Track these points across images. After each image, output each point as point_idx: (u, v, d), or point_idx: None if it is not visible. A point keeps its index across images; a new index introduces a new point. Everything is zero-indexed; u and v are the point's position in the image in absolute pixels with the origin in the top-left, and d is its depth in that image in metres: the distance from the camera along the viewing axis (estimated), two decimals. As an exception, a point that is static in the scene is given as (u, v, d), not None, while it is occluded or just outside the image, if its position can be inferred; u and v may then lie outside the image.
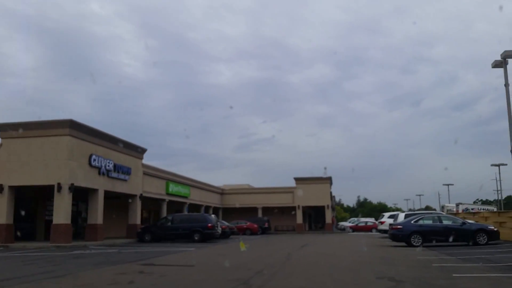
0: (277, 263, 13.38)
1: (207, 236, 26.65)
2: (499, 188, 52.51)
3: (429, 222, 20.35)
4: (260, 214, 50.70)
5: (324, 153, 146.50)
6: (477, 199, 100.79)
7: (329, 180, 51.35)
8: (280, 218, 52.72)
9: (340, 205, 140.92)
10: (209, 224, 26.67)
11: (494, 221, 22.86)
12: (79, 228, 28.90)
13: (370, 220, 53.64)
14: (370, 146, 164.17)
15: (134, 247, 22.52)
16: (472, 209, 40.03)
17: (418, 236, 19.76)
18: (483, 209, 39.59)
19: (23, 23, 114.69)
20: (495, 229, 19.27)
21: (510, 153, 19.20)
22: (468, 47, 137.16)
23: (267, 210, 51.31)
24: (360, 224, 50.37)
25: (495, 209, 40.64)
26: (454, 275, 9.98)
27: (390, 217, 30.44)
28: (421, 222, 20.26)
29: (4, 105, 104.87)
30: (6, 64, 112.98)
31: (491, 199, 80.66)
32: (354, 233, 47.08)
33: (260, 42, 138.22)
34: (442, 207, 46.10)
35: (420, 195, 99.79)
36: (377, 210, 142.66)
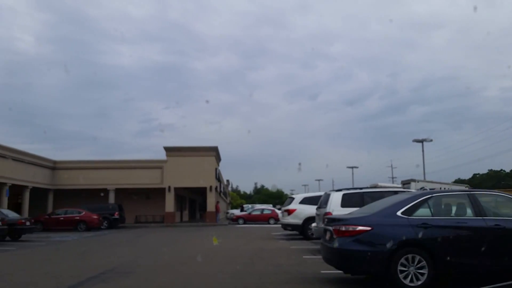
0: None
1: None
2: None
3: (449, 212, 6.97)
4: (112, 199, 34.60)
5: (225, 141, 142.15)
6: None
7: (214, 151, 36.88)
8: (145, 205, 37.19)
9: (237, 191, 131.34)
10: None
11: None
12: None
13: (268, 208, 40.56)
14: (269, 135, 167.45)
15: None
16: (432, 189, 28.50)
17: (422, 258, 6.25)
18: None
19: None
20: None
21: None
22: (363, 47, 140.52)
23: (125, 193, 35.41)
24: (254, 213, 36.90)
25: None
26: None
27: (304, 202, 16.84)
28: (424, 212, 6.73)
29: None
30: None
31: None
32: (246, 225, 33.53)
33: (165, 25, 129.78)
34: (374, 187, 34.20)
35: (319, 180, 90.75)
36: (274, 196, 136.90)
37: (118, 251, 13.88)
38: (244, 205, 58.16)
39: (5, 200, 27.23)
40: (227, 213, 53.80)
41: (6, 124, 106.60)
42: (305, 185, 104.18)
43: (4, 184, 27.29)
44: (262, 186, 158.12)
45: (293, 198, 17.74)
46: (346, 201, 12.15)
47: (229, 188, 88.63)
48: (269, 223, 34.79)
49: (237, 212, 44.35)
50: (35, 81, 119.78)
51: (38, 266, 10.02)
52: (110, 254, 13.09)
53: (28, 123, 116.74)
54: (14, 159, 28.65)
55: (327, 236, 7.45)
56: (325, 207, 12.25)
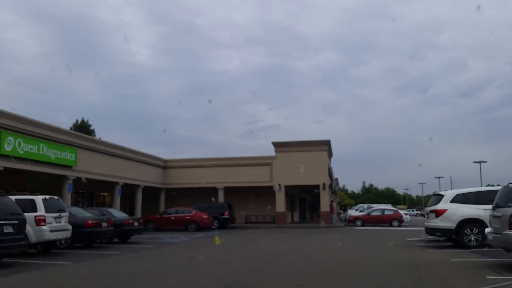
0: None
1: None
2: None
3: None
4: (221, 197, 33.37)
5: (330, 140, 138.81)
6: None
7: (326, 145, 33.68)
8: (255, 204, 35.35)
9: (344, 191, 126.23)
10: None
11: None
12: None
13: (389, 208, 36.18)
14: (375, 132, 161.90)
15: None
16: None
17: None
18: None
19: (30, 9, 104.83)
20: None
21: None
22: (476, 34, 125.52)
23: (234, 191, 33.98)
24: (373, 214, 32.88)
25: None
26: None
27: (457, 200, 12.95)
28: None
29: (10, 92, 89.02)
30: (13, 50, 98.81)
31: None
32: (365, 227, 29.81)
33: (268, 28, 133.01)
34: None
35: (439, 178, 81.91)
36: (384, 196, 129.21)
37: (230, 260, 11.57)
38: (358, 205, 53.95)
39: (118, 199, 27.20)
40: (339, 213, 50.17)
41: (126, 131, 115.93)
42: (421, 183, 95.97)
43: (117, 183, 27.28)
44: (371, 185, 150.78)
45: (441, 196, 13.85)
46: None
47: (337, 187, 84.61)
48: (391, 226, 30.63)
49: (351, 212, 40.62)
50: (151, 90, 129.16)
51: (131, 283, 7.93)
52: (221, 263, 10.80)
53: (145, 129, 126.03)
54: (126, 158, 28.65)
55: None
56: (511, 206, 8.49)
